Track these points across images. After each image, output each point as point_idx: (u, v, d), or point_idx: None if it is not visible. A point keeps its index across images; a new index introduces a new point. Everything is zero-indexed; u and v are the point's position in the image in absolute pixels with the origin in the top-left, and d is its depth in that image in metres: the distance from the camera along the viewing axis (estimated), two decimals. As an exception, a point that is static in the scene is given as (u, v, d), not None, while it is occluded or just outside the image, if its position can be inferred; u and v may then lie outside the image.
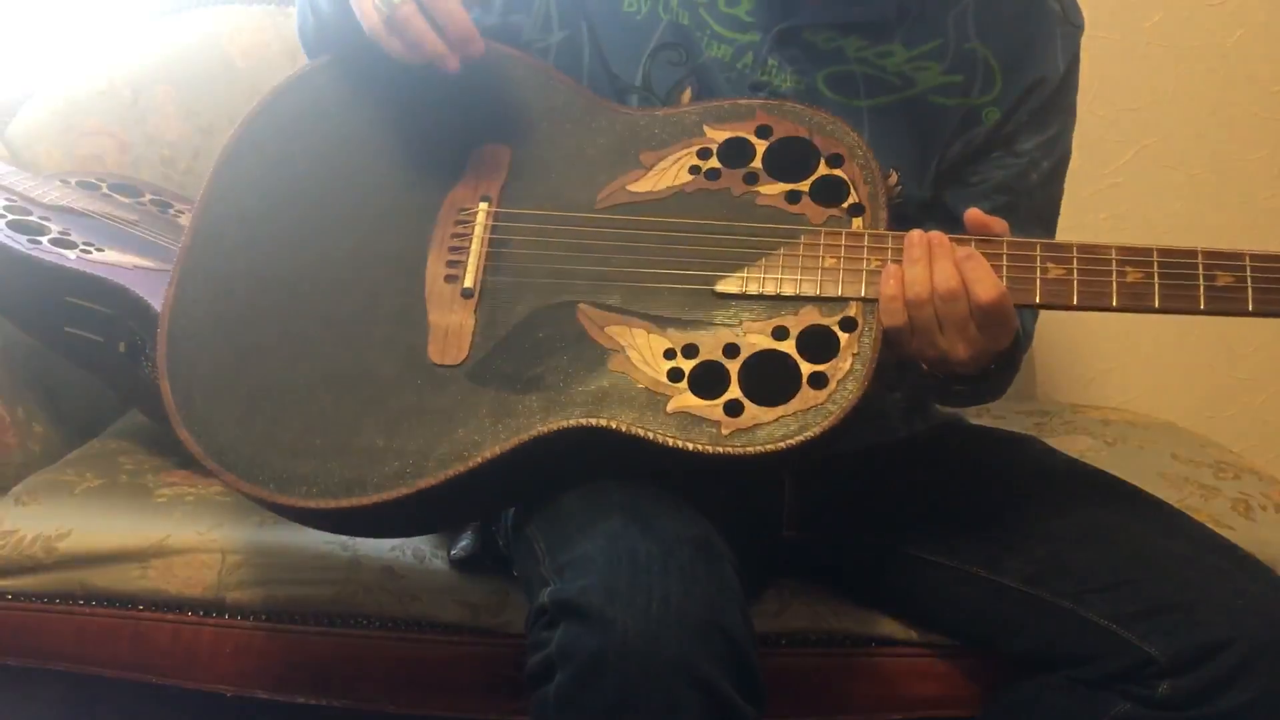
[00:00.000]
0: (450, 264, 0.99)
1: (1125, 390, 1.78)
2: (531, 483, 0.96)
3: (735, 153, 1.00)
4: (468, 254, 0.99)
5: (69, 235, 1.33)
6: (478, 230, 0.99)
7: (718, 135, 1.01)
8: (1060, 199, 1.16)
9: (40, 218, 1.35)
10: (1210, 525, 1.21)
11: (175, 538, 1.16)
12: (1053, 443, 1.25)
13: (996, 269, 0.91)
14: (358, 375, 0.96)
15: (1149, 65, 1.69)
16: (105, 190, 1.50)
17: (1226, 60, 1.70)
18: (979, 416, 1.31)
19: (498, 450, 0.92)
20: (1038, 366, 1.73)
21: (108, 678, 1.19)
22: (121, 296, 1.27)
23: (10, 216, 1.33)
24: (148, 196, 1.53)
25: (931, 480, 1.12)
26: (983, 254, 0.92)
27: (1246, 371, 1.81)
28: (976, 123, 1.08)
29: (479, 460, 0.91)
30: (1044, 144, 1.11)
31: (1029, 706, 1.02)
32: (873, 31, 1.06)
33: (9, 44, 1.64)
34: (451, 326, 0.96)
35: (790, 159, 0.99)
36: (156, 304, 1.25)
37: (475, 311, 0.97)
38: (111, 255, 1.33)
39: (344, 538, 1.16)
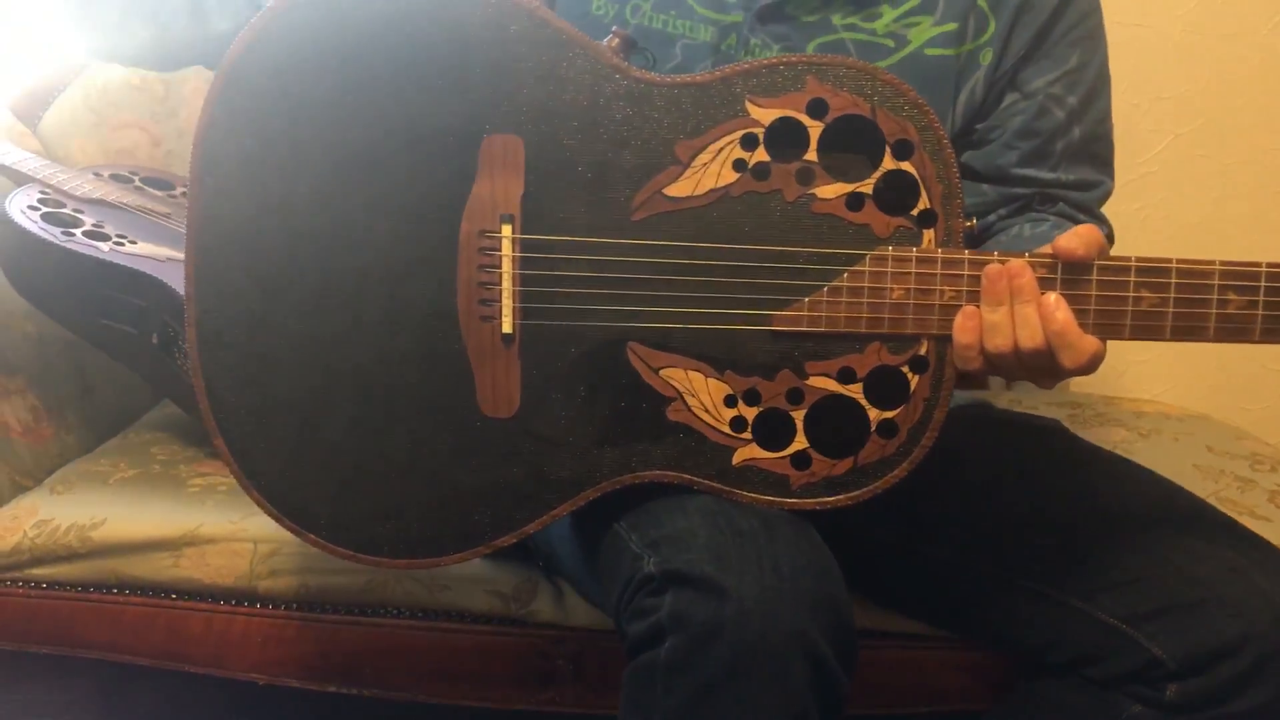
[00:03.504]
0: (483, 302, 0.90)
1: (1159, 382, 1.76)
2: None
3: (785, 139, 0.87)
4: (499, 290, 0.90)
5: (103, 228, 1.34)
6: (505, 263, 0.89)
7: (763, 115, 0.87)
8: (1111, 133, 1.10)
9: (74, 210, 1.36)
10: (1247, 518, 1.20)
11: (208, 527, 1.17)
12: (1086, 434, 1.24)
13: (1084, 300, 0.84)
14: (414, 434, 0.91)
15: (1183, 54, 1.68)
16: (138, 183, 1.51)
17: (1262, 48, 1.68)
18: (1012, 408, 1.29)
19: (568, 508, 0.91)
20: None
21: (141, 666, 1.20)
22: (155, 289, 1.28)
23: (45, 209, 1.34)
24: (180, 189, 1.54)
25: (947, 468, 1.10)
26: (1069, 293, 0.84)
27: (1282, 363, 1.79)
28: (974, 68, 1.03)
29: (552, 517, 0.91)
30: (1063, 79, 1.04)
31: (1043, 705, 1.00)
32: None
33: (41, 33, 1.65)
34: (497, 376, 0.90)
35: (849, 145, 0.87)
36: (189, 296, 1.26)
37: (519, 358, 0.90)
38: (145, 248, 1.34)
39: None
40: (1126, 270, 0.84)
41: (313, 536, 0.93)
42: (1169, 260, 0.83)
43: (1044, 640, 0.99)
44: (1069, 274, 0.84)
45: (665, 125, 0.88)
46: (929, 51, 1.02)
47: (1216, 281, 0.83)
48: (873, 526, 1.09)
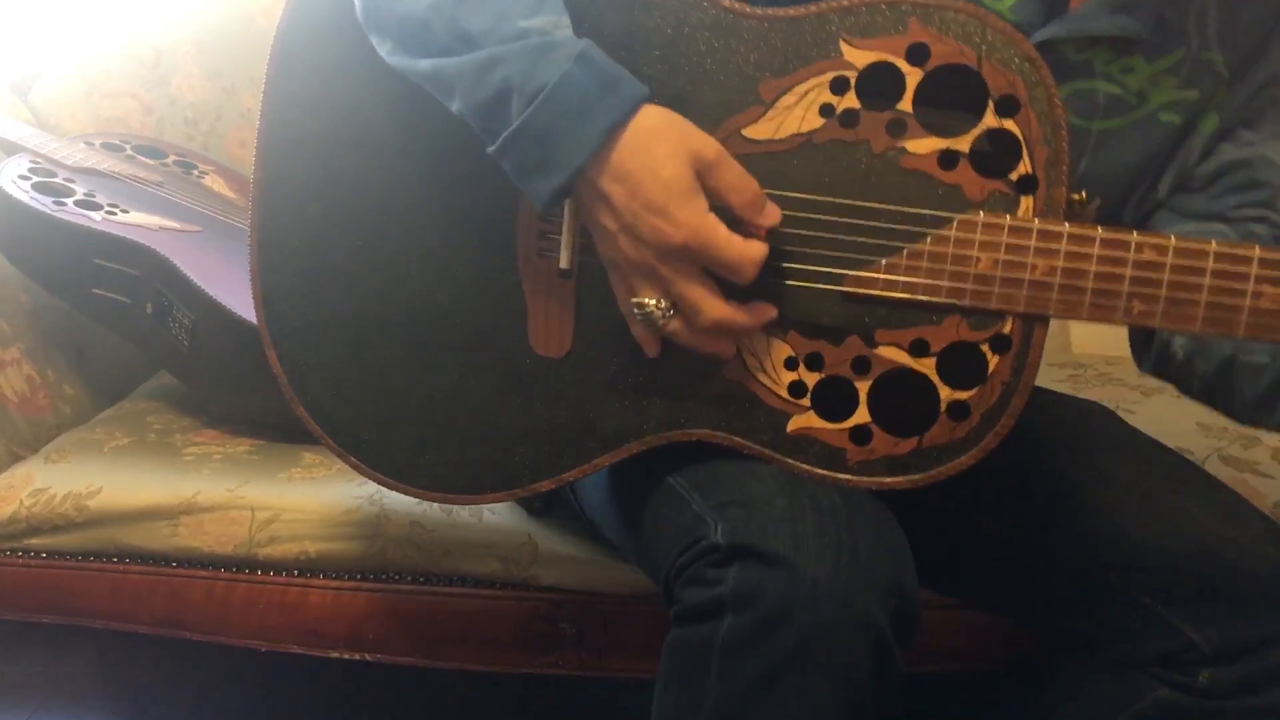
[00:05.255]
0: (543, 235, 0.86)
1: (1160, 342, 1.75)
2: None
3: (879, 85, 0.79)
4: (559, 223, 0.85)
5: (94, 197, 1.33)
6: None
7: (858, 57, 0.79)
8: None
9: (65, 180, 1.35)
10: (1250, 475, 1.20)
11: (204, 495, 1.16)
12: (1089, 394, 1.23)
13: (1195, 289, 0.76)
14: (463, 367, 0.88)
15: None
16: (129, 152, 1.50)
17: None
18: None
19: (610, 459, 0.87)
20: (1070, 321, 1.71)
21: (142, 635, 1.20)
22: (147, 257, 1.27)
23: (36, 179, 1.33)
24: (172, 158, 1.53)
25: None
26: (1181, 264, 0.76)
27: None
28: (1192, 135, 0.94)
29: (594, 467, 0.87)
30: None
31: (1068, 682, 1.00)
32: (1120, 43, 0.90)
33: (32, 12, 1.64)
34: (551, 314, 0.86)
35: (949, 97, 0.78)
36: (182, 264, 1.25)
37: (574, 297, 0.86)
38: (137, 216, 1.33)
39: (371, 492, 1.16)
40: (1249, 260, 0.76)
41: (353, 459, 0.90)
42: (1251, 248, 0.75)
43: (1069, 614, 0.98)
44: (1181, 258, 0.77)
45: (751, 61, 0.81)
46: (1162, 117, 0.93)
47: None
48: (913, 494, 1.08)
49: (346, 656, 1.16)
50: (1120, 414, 1.29)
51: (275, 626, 1.16)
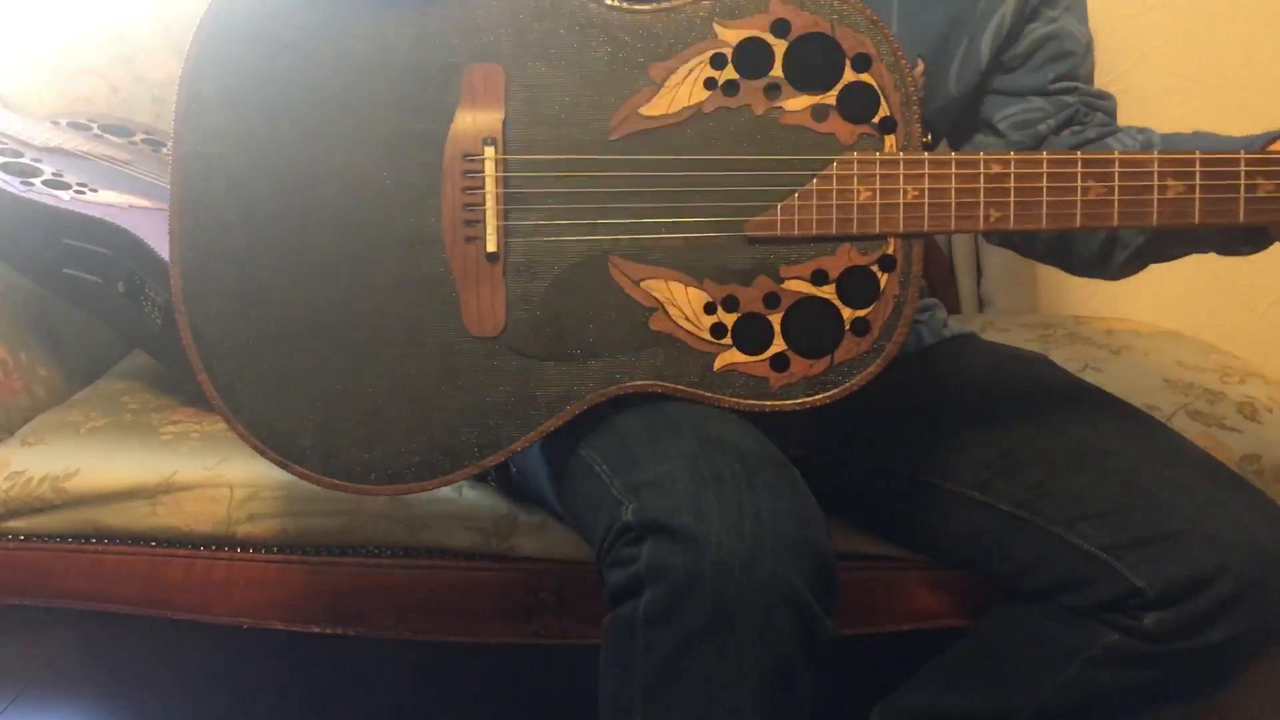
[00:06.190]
0: (467, 223, 0.92)
1: (1129, 300, 1.77)
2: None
3: (752, 58, 0.92)
4: (483, 210, 0.92)
5: (62, 176, 1.32)
6: (489, 183, 0.92)
7: (730, 36, 0.92)
8: None
9: (33, 160, 1.34)
10: (1216, 430, 1.22)
11: (182, 474, 1.16)
12: (1057, 354, 1.25)
13: (1035, 192, 0.89)
14: (400, 357, 0.93)
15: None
16: (96, 131, 1.49)
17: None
18: (985, 331, 1.30)
19: (554, 424, 0.93)
20: (1040, 280, 1.73)
21: (124, 615, 1.20)
22: (118, 236, 1.26)
23: (3, 159, 1.32)
24: (139, 136, 1.52)
25: (933, 398, 1.11)
26: (1022, 172, 0.89)
27: (1251, 279, 1.80)
28: (1001, 2, 1.06)
29: (539, 434, 0.93)
30: (1075, 8, 1.09)
31: (1020, 630, 1.02)
32: None
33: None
34: (483, 296, 0.93)
35: (813, 61, 0.92)
36: (153, 243, 1.25)
37: (504, 276, 0.93)
38: (106, 195, 1.32)
39: (351, 468, 1.16)
40: (1073, 163, 0.90)
41: (299, 468, 0.94)
42: (1110, 156, 0.90)
43: (1024, 566, 1.00)
44: (1021, 168, 0.90)
45: (638, 49, 0.92)
46: None
47: (1156, 169, 0.89)
48: (857, 452, 1.10)
49: (328, 631, 1.17)
50: (1088, 372, 1.31)
51: (256, 603, 1.17)
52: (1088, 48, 1.12)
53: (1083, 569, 0.96)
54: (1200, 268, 1.76)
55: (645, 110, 0.92)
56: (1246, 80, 1.71)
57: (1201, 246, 1.02)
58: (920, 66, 1.07)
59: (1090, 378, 1.15)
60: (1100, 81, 1.56)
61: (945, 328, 1.20)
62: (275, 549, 1.16)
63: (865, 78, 0.91)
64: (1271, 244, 0.97)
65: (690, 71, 0.92)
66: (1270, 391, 1.30)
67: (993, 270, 1.71)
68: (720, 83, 0.92)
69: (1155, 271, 1.10)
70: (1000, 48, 1.09)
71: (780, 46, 0.91)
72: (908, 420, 1.09)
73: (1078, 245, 1.08)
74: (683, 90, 0.92)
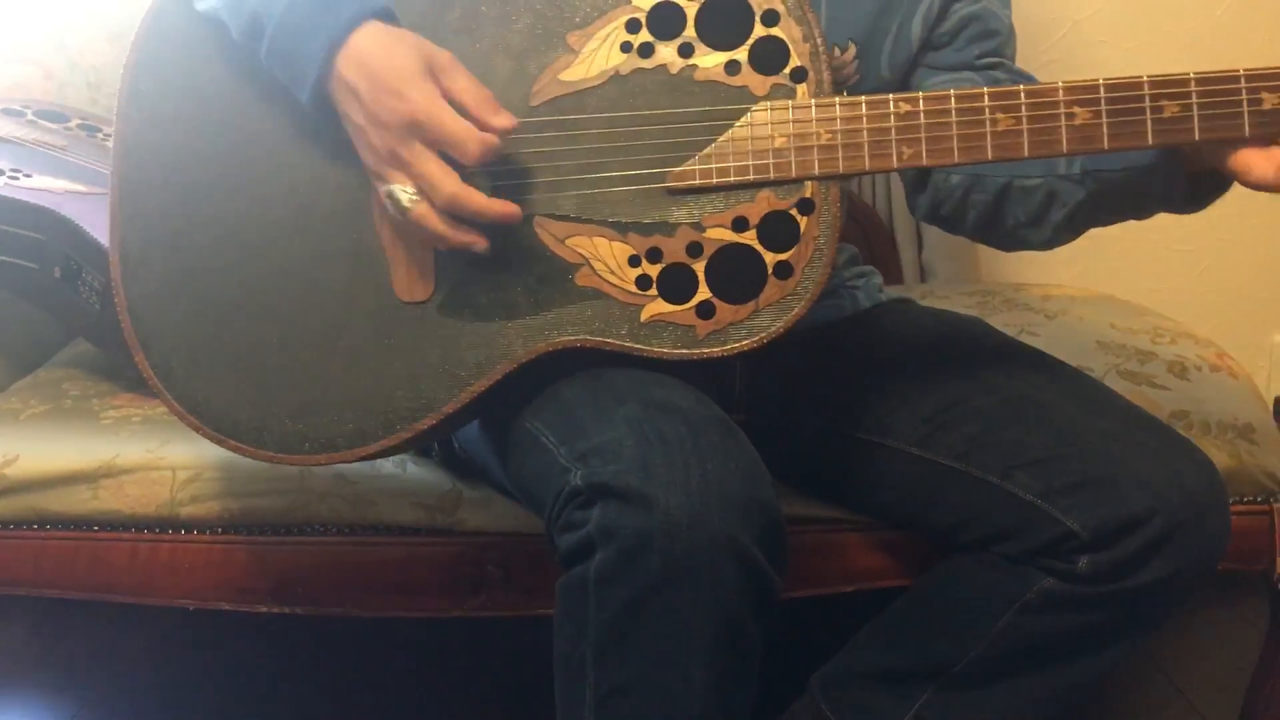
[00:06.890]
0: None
1: (1067, 267, 1.80)
2: (514, 389, 0.97)
3: (665, 20, 0.95)
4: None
5: (-5, 162, 1.31)
6: None
7: (644, 1, 0.95)
8: None
9: (-36, 146, 1.33)
10: (1146, 388, 1.24)
11: (124, 457, 1.16)
12: (995, 320, 1.27)
13: (946, 126, 0.91)
14: (331, 327, 0.95)
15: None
16: (30, 117, 1.47)
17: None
18: (925, 299, 1.32)
19: (485, 384, 0.94)
20: (980, 250, 1.75)
21: (72, 601, 1.20)
22: (53, 221, 1.25)
23: (-67, 146, 1.30)
24: (75, 121, 1.50)
25: (871, 359, 1.13)
26: (931, 109, 0.91)
27: (1186, 244, 1.84)
28: None
29: (471, 394, 0.94)
30: None
31: (957, 582, 1.03)
32: None
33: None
34: (412, 262, 0.95)
35: (723, 20, 0.94)
36: (89, 227, 1.24)
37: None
38: (41, 181, 1.31)
39: (293, 446, 1.16)
40: (979, 98, 0.91)
41: (233, 443, 0.96)
42: (1016, 89, 0.91)
43: (961, 518, 1.02)
44: (929, 104, 0.91)
45: (556, 19, 0.95)
46: None
47: (1061, 98, 0.90)
48: (797, 415, 1.11)
49: (275, 611, 1.17)
50: (1024, 336, 1.33)
51: (202, 585, 1.17)
52: (1010, 32, 1.14)
53: (1019, 516, 0.98)
54: (1136, 233, 1.79)
55: (565, 76, 0.95)
56: (1177, 47, 1.74)
57: (1143, 204, 1.03)
58: (851, 50, 1.08)
59: (1026, 341, 1.17)
60: (1032, 52, 1.59)
61: (881, 293, 1.22)
62: (219, 530, 1.16)
63: (775, 31, 0.93)
64: (1214, 199, 0.99)
65: (607, 37, 0.94)
66: (1200, 351, 1.33)
67: (934, 240, 1.73)
68: (635, 46, 0.94)
69: (1093, 237, 1.12)
70: (930, 28, 1.11)
71: (692, 8, 0.94)
72: (846, 382, 1.11)
73: (1013, 208, 1.08)
74: (600, 55, 0.95)
